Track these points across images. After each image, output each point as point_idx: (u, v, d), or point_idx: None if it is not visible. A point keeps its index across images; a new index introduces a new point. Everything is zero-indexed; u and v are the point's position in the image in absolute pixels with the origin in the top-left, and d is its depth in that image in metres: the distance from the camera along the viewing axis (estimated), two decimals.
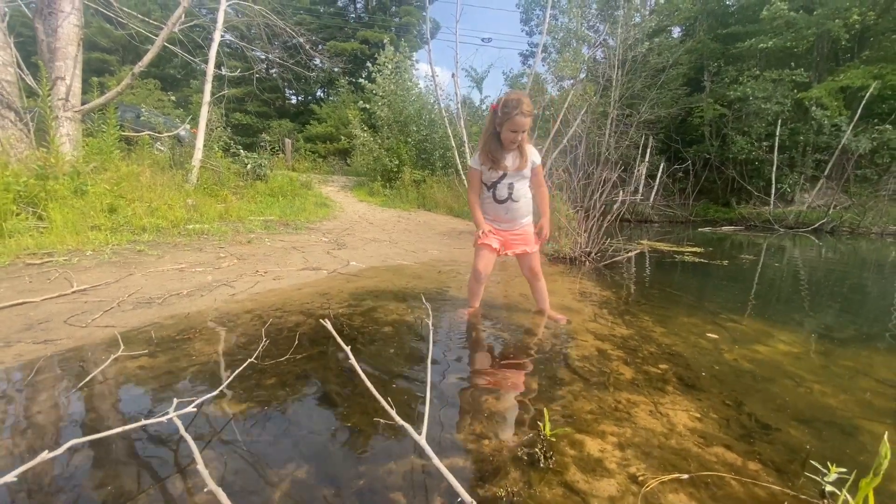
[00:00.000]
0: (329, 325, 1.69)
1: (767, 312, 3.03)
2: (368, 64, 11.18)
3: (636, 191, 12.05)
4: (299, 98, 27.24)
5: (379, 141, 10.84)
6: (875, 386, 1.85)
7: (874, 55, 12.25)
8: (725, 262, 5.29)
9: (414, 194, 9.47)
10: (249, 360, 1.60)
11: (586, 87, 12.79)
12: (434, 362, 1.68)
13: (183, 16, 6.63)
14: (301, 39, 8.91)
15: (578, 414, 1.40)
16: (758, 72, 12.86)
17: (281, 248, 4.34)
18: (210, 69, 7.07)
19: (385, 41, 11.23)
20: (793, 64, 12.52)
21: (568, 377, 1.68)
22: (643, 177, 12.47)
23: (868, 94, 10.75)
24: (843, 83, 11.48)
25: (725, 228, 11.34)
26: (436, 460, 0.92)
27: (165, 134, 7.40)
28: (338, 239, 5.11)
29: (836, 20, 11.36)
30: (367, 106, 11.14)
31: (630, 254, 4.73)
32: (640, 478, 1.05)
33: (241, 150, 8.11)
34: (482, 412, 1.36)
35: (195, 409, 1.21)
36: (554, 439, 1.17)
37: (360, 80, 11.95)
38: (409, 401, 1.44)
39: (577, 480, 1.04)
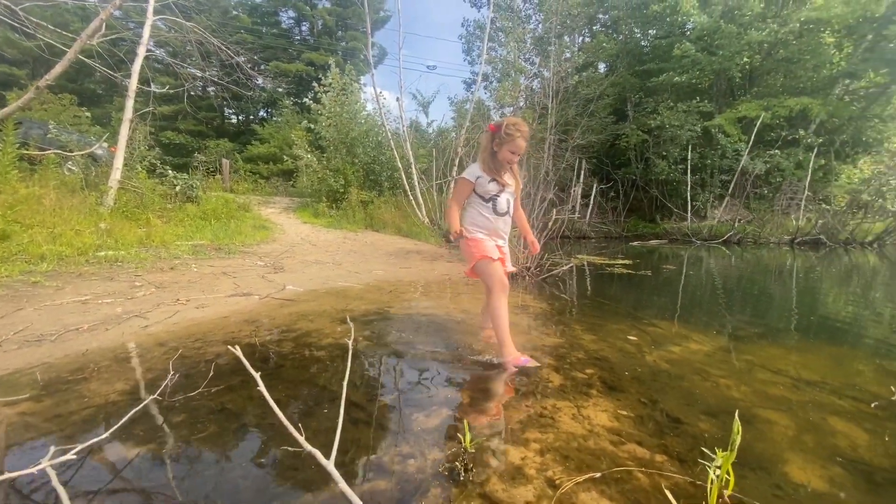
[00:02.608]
0: (238, 352, 1.58)
1: (684, 316, 3.33)
2: (314, 84, 11.09)
3: (573, 209, 12.90)
4: (240, 117, 26.15)
5: (325, 162, 10.67)
6: (771, 377, 2.08)
7: (762, 90, 14.44)
8: (650, 273, 5.78)
9: (361, 215, 9.36)
10: (152, 398, 1.45)
11: (525, 113, 13.65)
12: (358, 383, 1.64)
13: (103, 28, 6.17)
14: (240, 59, 8.63)
15: (507, 423, 1.42)
16: (672, 103, 14.57)
17: (210, 273, 4.04)
18: (133, 84, 6.59)
19: (331, 63, 11.24)
20: (698, 98, 14.37)
21: (499, 389, 1.71)
22: (579, 196, 13.39)
23: (759, 122, 12.58)
24: (739, 114, 13.35)
25: (653, 242, 12.43)
26: (342, 485, 0.88)
27: (77, 153, 6.70)
28: (275, 262, 4.87)
29: (731, 61, 13.31)
30: (313, 126, 10.98)
31: (565, 267, 5.00)
32: (557, 481, 1.09)
33: (170, 171, 7.54)
34: (409, 431, 1.34)
35: (74, 457, 1.06)
36: (474, 451, 1.17)
37: (306, 100, 11.80)
38: (335, 426, 1.38)
39: (496, 490, 1.04)
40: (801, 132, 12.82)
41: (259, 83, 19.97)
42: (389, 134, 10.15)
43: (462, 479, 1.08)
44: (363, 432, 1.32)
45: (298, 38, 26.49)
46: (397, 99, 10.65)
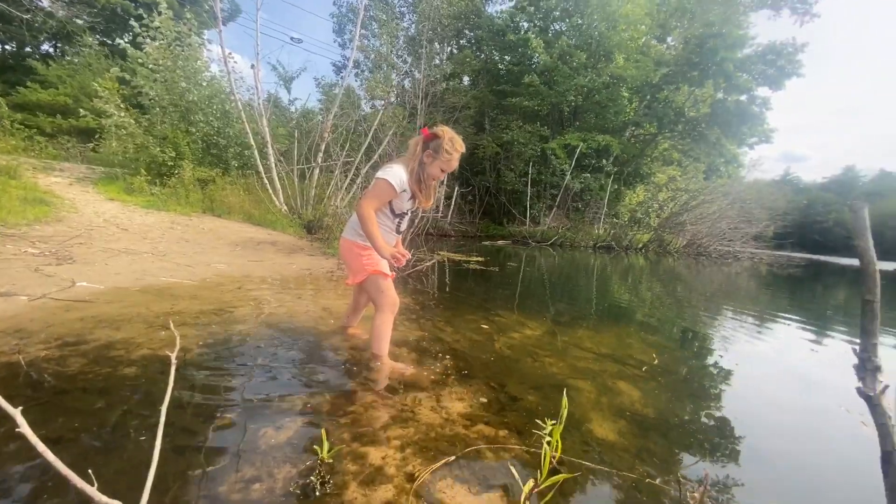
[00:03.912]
0: None
1: (521, 306, 3.90)
2: (133, 23, 8.66)
3: (437, 209, 13.66)
4: (7, 47, 18.48)
5: (146, 125, 8.49)
6: (582, 353, 2.61)
7: (581, 125, 18.06)
8: (497, 269, 6.57)
9: (198, 196, 7.79)
10: None
11: (395, 110, 13.75)
12: (187, 403, 1.36)
13: None
14: None
15: (367, 424, 1.39)
16: (521, 123, 16.84)
17: None
18: None
19: (160, 2, 8.96)
20: (539, 122, 17.04)
21: (361, 390, 1.66)
22: (442, 198, 14.26)
23: (578, 151, 15.70)
24: (566, 141, 16.38)
25: (501, 242, 14.20)
26: None
27: None
28: (60, 250, 3.64)
29: (563, 97, 16.21)
30: (130, 78, 8.58)
31: (428, 263, 5.24)
32: (416, 474, 1.12)
33: None
34: (254, 450, 1.18)
35: None
36: (332, 461, 1.11)
37: (121, 42, 9.13)
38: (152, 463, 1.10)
39: (355, 498, 1.01)
40: (604, 161, 16.57)
41: (43, 4, 14.60)
42: (240, 104, 8.77)
43: (318, 494, 1.00)
44: (192, 461, 1.10)
45: None
46: (252, 66, 9.25)
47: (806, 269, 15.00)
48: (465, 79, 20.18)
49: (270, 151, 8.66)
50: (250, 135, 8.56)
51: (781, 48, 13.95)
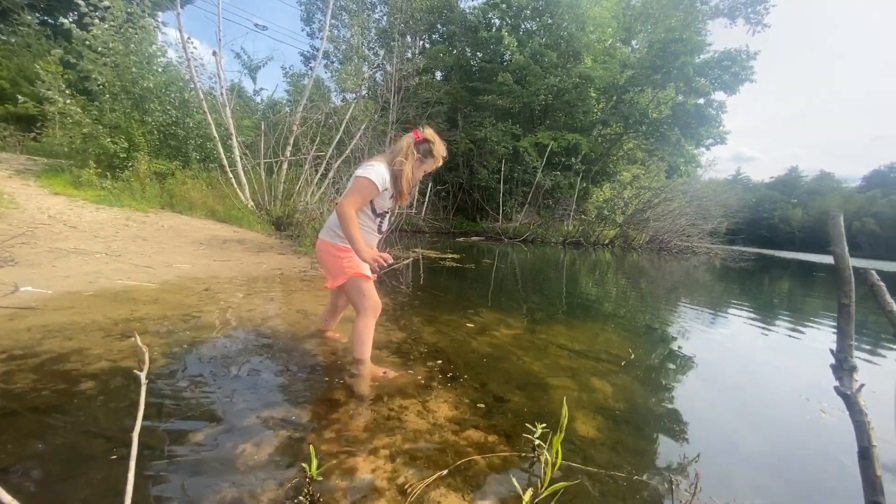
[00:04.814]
0: None
1: (500, 303, 3.93)
2: (79, 1, 7.91)
3: (410, 205, 13.55)
4: None
5: (95, 113, 7.82)
6: (558, 351, 2.66)
7: (552, 124, 18.41)
8: (473, 266, 6.61)
9: (155, 190, 7.28)
10: None
11: (368, 104, 13.44)
12: (153, 421, 1.26)
13: None
14: None
15: (353, 434, 1.35)
16: (494, 121, 16.94)
17: None
18: None
19: None
20: (511, 121, 17.20)
21: (344, 397, 1.61)
22: (416, 194, 14.15)
23: (549, 149, 16.01)
24: (537, 140, 16.65)
25: (475, 238, 14.30)
26: None
27: None
28: None
29: (535, 96, 16.44)
30: (76, 61, 7.86)
31: (405, 261, 5.18)
32: (408, 487, 1.09)
33: None
34: (233, 469, 1.10)
35: None
36: (322, 478, 1.06)
37: (64, 21, 8.33)
38: (120, 488, 1.01)
39: None
40: (574, 160, 16.99)
41: None
42: (201, 93, 8.26)
43: None
44: (165, 486, 1.01)
45: None
46: (214, 53, 8.70)
47: (755, 263, 16.12)
48: (438, 74, 20.03)
49: (235, 144, 8.24)
50: (212, 126, 8.09)
51: (736, 55, 14.80)
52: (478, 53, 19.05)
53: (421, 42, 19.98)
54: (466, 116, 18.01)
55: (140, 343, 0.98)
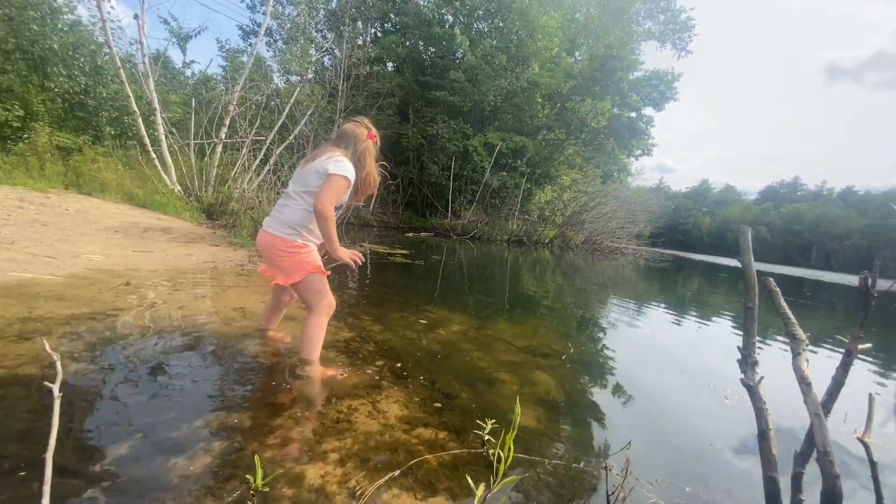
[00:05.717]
0: None
1: (448, 300, 3.99)
2: None
3: (368, 200, 13.20)
4: None
5: None
6: (504, 346, 2.76)
7: (501, 125, 18.95)
8: (422, 262, 6.62)
9: (58, 168, 6.28)
10: None
11: (314, 88, 12.78)
12: (65, 435, 1.11)
13: None
14: None
15: (300, 440, 1.29)
16: (445, 117, 17.01)
17: None
18: None
19: None
20: (462, 119, 17.41)
21: (289, 401, 1.53)
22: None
23: (497, 149, 16.48)
24: (486, 140, 17.05)
25: (423, 234, 14.30)
26: None
27: None
28: None
29: (485, 96, 16.79)
30: None
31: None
32: (359, 490, 1.08)
33: None
34: (162, 486, 1.01)
35: None
36: (267, 488, 1.00)
37: None
38: None
39: None
40: (520, 162, 17.65)
41: None
42: (118, 60, 7.28)
43: None
44: None
45: None
46: (136, 16, 7.68)
47: (672, 263, 18.05)
48: (390, 65, 19.61)
49: (159, 120, 7.39)
50: (132, 98, 7.17)
51: (664, 75, 16.36)
52: (431, 48, 18.95)
53: (373, 30, 19.40)
54: (418, 111, 17.87)
55: (49, 349, 0.84)
